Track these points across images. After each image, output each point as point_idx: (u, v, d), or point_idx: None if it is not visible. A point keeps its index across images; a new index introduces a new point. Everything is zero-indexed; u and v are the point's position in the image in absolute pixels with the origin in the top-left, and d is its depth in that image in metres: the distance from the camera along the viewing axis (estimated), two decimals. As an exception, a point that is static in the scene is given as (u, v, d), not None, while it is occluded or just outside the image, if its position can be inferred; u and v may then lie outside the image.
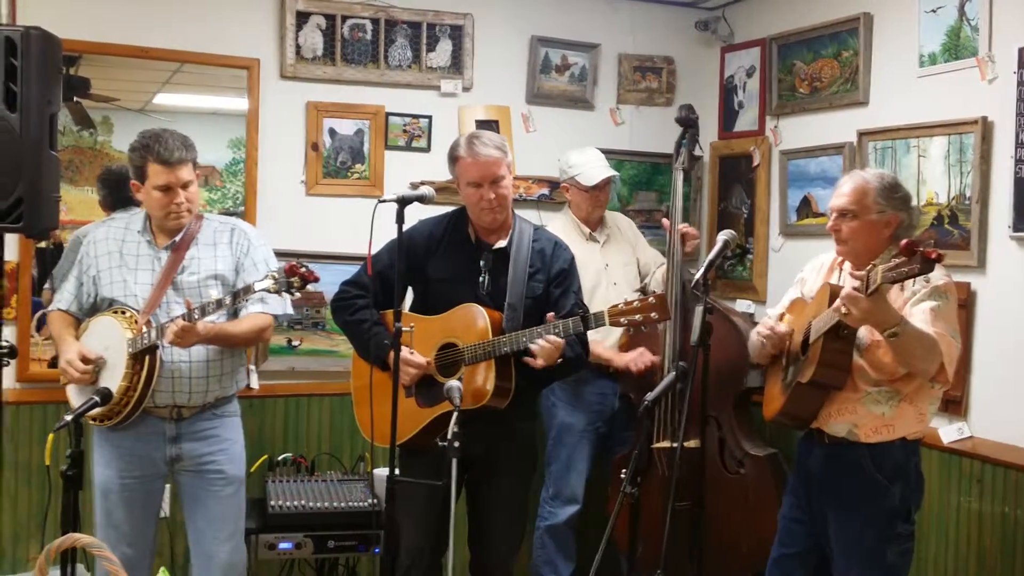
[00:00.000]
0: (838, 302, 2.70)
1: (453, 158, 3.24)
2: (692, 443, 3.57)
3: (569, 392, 4.12)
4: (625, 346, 4.08)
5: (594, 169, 4.18)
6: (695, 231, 4.09)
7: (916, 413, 2.93)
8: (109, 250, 3.26)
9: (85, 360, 3.13)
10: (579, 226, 4.21)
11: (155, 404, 3.17)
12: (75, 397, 3.23)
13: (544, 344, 2.98)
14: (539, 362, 3.00)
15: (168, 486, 3.41)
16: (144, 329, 3.10)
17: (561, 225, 4.21)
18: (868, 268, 2.62)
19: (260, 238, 3.40)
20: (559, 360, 3.04)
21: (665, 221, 4.12)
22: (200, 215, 3.33)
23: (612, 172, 4.22)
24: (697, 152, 4.26)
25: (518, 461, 3.34)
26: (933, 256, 2.44)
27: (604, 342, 4.07)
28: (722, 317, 3.84)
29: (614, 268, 4.22)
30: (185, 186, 3.17)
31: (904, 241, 2.50)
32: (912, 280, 2.60)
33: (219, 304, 3.06)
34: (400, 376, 3.01)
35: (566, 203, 4.32)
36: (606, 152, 4.40)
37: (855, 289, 2.64)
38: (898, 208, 2.94)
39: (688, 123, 4.15)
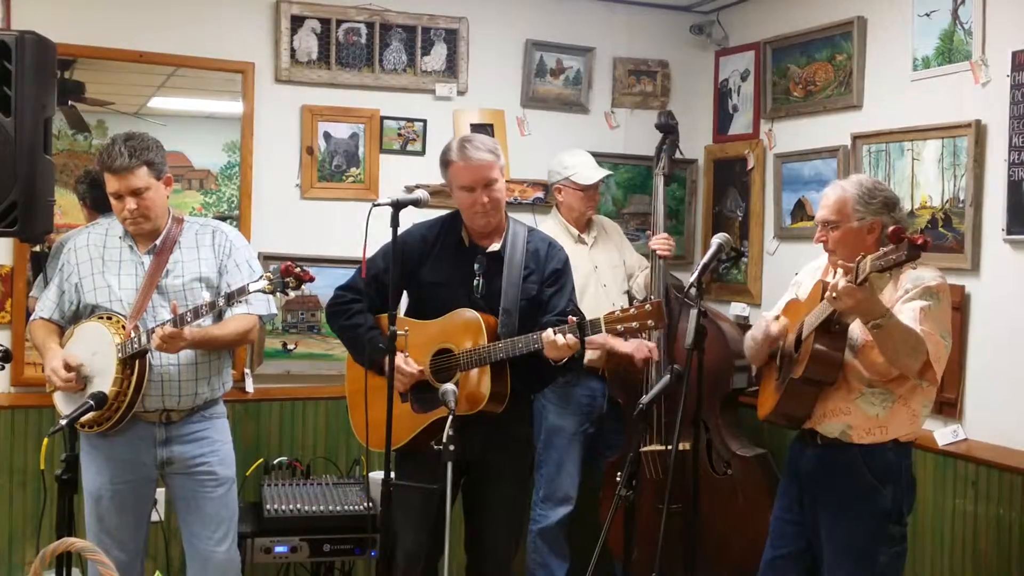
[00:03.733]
0: (828, 290, 2.71)
1: (445, 162, 3.24)
2: (682, 446, 3.57)
3: (558, 394, 4.12)
4: None
5: (589, 169, 4.21)
6: (665, 243, 4.12)
7: (909, 414, 2.93)
8: (91, 256, 3.25)
9: (68, 367, 3.12)
10: (568, 228, 4.22)
11: (144, 408, 3.16)
12: (63, 404, 3.23)
13: (561, 340, 2.94)
14: (553, 353, 2.97)
15: (163, 490, 3.41)
16: (132, 334, 3.09)
17: (550, 228, 4.21)
18: (858, 259, 2.63)
19: (241, 239, 3.41)
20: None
21: (649, 233, 4.17)
22: (179, 219, 3.33)
23: (607, 172, 4.27)
24: (678, 155, 4.30)
25: (514, 465, 3.34)
26: (919, 242, 2.46)
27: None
28: (707, 320, 3.84)
29: (603, 270, 4.23)
30: (136, 192, 3.13)
31: (891, 228, 2.52)
32: (902, 270, 2.60)
33: (212, 306, 3.06)
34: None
35: (554, 206, 4.33)
36: (600, 155, 4.41)
37: (846, 273, 2.66)
38: (878, 212, 2.94)
39: (668, 129, 4.21)
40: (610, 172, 4.35)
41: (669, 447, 3.61)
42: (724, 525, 3.66)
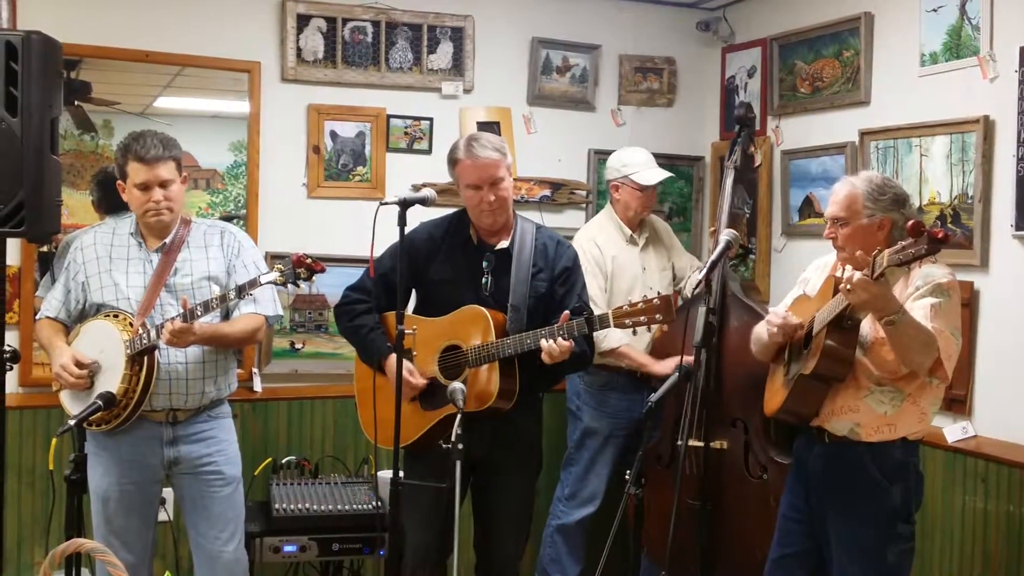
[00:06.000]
0: (843, 283, 2.69)
1: (452, 161, 3.24)
2: (719, 444, 3.56)
3: (596, 398, 4.11)
4: (658, 342, 4.02)
5: (651, 170, 4.16)
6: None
7: (918, 413, 2.92)
8: (98, 255, 3.26)
9: (79, 365, 3.13)
10: (621, 228, 4.18)
11: (152, 408, 3.17)
12: (70, 403, 3.23)
13: (553, 346, 2.96)
14: (546, 359, 2.99)
15: (171, 490, 3.41)
16: (141, 331, 3.10)
17: (601, 224, 4.19)
18: (874, 253, 2.61)
19: (249, 240, 3.43)
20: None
21: (712, 229, 4.06)
22: (188, 220, 3.33)
23: (667, 174, 4.21)
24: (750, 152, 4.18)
25: (523, 463, 3.33)
26: (940, 236, 2.43)
27: (636, 345, 4.01)
28: (756, 320, 3.81)
29: (651, 272, 4.19)
30: (164, 184, 3.16)
31: (911, 222, 2.49)
32: (919, 265, 2.58)
33: (223, 299, 3.07)
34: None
35: (609, 202, 4.28)
36: (606, 153, 4.39)
37: (861, 267, 2.64)
38: (888, 209, 2.92)
39: (744, 121, 4.10)
40: (671, 175, 4.28)
41: (711, 444, 3.59)
42: (752, 528, 3.63)
